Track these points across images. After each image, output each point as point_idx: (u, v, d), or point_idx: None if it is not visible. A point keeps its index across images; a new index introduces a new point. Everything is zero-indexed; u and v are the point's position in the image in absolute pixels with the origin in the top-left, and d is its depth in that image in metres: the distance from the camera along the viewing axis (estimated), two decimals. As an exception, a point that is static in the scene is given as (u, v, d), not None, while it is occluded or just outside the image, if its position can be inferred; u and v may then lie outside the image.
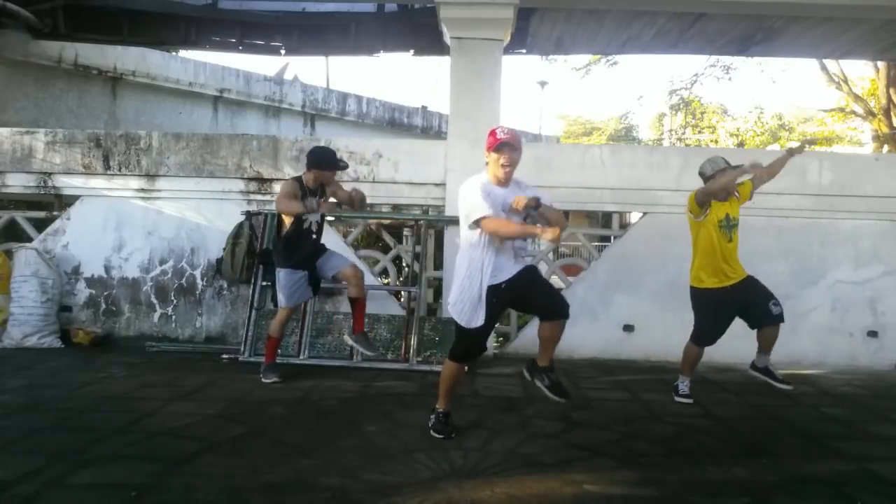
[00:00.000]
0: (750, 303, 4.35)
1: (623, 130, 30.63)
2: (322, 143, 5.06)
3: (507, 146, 3.40)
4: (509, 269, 3.44)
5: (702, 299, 4.45)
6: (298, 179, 4.78)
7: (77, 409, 3.96)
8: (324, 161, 4.74)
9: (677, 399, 4.54)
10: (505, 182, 3.49)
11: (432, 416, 3.66)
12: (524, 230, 3.35)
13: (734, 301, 4.35)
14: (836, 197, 6.25)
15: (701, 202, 4.36)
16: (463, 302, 3.44)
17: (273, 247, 5.01)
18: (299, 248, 4.76)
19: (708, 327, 4.45)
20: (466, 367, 3.76)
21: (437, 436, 3.55)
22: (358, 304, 4.84)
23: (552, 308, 3.50)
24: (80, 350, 5.92)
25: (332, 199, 4.85)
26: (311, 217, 4.73)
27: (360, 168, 6.30)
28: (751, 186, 4.56)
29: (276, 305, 5.10)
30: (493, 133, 3.45)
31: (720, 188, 4.32)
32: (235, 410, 4.01)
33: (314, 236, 4.82)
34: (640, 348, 6.13)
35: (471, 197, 3.36)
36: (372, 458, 3.20)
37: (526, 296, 3.52)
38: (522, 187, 3.55)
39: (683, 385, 4.59)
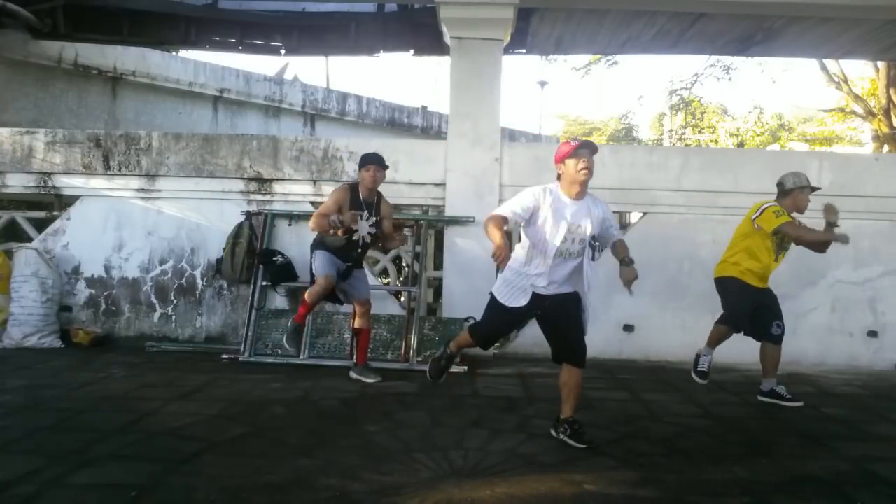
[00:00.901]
0: (764, 307, 4.48)
1: (623, 130, 30.60)
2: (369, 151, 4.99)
3: (585, 149, 3.30)
4: (558, 287, 3.41)
5: (738, 285, 4.49)
6: (354, 187, 4.74)
7: (77, 409, 3.95)
8: (365, 158, 4.73)
9: (694, 375, 4.64)
10: (580, 194, 3.36)
11: (443, 358, 3.88)
12: (501, 242, 3.10)
13: (757, 301, 4.48)
14: (836, 197, 6.21)
15: (782, 231, 4.33)
16: (510, 285, 3.44)
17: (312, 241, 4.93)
18: (333, 250, 4.71)
19: (737, 309, 4.51)
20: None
21: (430, 377, 3.91)
22: (362, 335, 4.92)
23: (565, 349, 3.49)
24: (80, 350, 5.92)
25: (374, 227, 4.76)
26: (358, 232, 4.65)
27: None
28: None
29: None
30: (565, 143, 3.38)
31: (812, 241, 4.43)
32: (235, 410, 4.01)
33: (359, 250, 4.79)
34: (640, 348, 6.13)
35: (521, 195, 3.35)
36: (372, 458, 3.20)
37: (552, 319, 3.49)
38: (596, 205, 3.42)
39: (704, 360, 4.63)
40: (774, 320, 4.45)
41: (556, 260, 3.35)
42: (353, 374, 4.92)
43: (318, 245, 4.76)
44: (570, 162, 3.30)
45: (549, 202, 3.33)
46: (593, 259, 3.38)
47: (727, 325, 4.57)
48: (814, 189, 4.53)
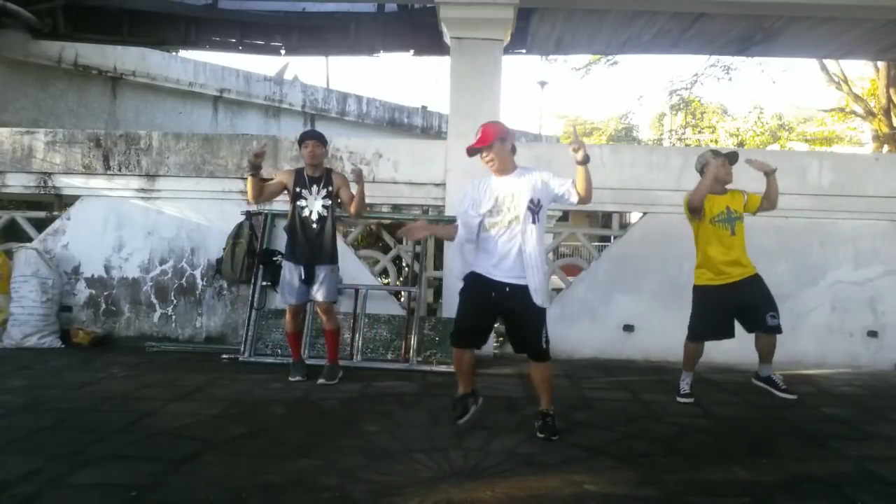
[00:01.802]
0: (749, 305, 4.35)
1: (623, 130, 30.64)
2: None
3: (475, 152, 3.52)
4: (506, 273, 3.48)
5: (696, 295, 4.50)
6: (300, 169, 4.83)
7: (77, 409, 3.95)
8: (302, 136, 4.80)
9: (679, 399, 4.54)
10: (502, 172, 3.54)
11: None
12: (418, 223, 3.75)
13: (729, 300, 4.35)
14: (836, 197, 6.25)
15: (694, 207, 4.34)
16: (464, 264, 3.62)
17: None
18: (294, 239, 4.79)
19: (695, 320, 4.49)
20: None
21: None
22: (328, 335, 4.93)
23: (523, 345, 3.62)
24: (80, 350, 5.92)
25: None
26: (306, 206, 4.72)
27: (361, 168, 6.29)
28: (758, 201, 4.52)
29: None
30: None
31: (707, 185, 4.32)
32: (235, 410, 4.01)
33: (314, 227, 4.75)
34: (640, 348, 6.13)
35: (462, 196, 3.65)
36: (372, 458, 3.20)
37: (508, 315, 3.60)
38: (526, 173, 3.56)
39: (684, 384, 4.59)
40: (767, 312, 4.30)
41: (490, 233, 3.49)
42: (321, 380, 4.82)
43: (285, 250, 4.88)
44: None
45: (483, 187, 3.56)
46: (534, 222, 3.44)
47: (688, 339, 4.56)
48: (726, 156, 4.45)
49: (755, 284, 4.38)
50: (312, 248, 4.75)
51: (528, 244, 3.45)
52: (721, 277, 4.36)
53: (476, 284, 3.55)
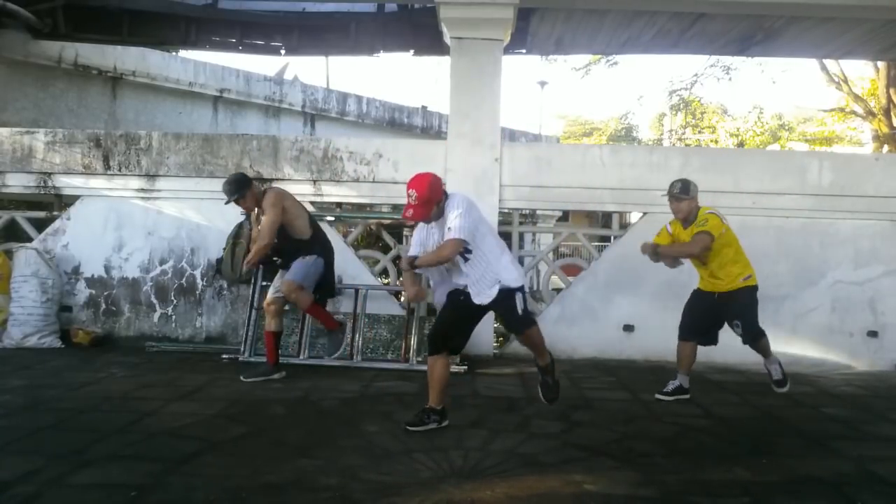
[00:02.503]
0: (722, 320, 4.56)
1: (623, 130, 30.65)
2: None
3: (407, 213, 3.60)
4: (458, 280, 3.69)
5: (691, 298, 4.72)
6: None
7: (77, 409, 3.95)
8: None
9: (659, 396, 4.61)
10: (427, 219, 3.64)
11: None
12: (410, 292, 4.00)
13: (715, 309, 4.55)
14: (836, 197, 6.24)
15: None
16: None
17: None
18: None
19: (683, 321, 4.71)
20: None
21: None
22: (309, 311, 5.02)
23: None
24: (80, 350, 5.92)
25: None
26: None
27: (360, 168, 6.30)
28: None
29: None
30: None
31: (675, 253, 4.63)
32: (235, 410, 4.01)
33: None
34: (640, 348, 6.13)
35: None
36: (372, 458, 3.20)
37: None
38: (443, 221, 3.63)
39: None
40: (733, 321, 4.50)
41: (443, 268, 3.70)
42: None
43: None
44: None
45: (423, 231, 3.73)
46: (466, 261, 3.58)
47: (679, 339, 4.68)
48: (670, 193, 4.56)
49: (734, 296, 4.48)
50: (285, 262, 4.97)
51: (472, 272, 3.60)
52: (707, 285, 4.61)
53: (452, 295, 3.74)
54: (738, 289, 4.45)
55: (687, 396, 4.57)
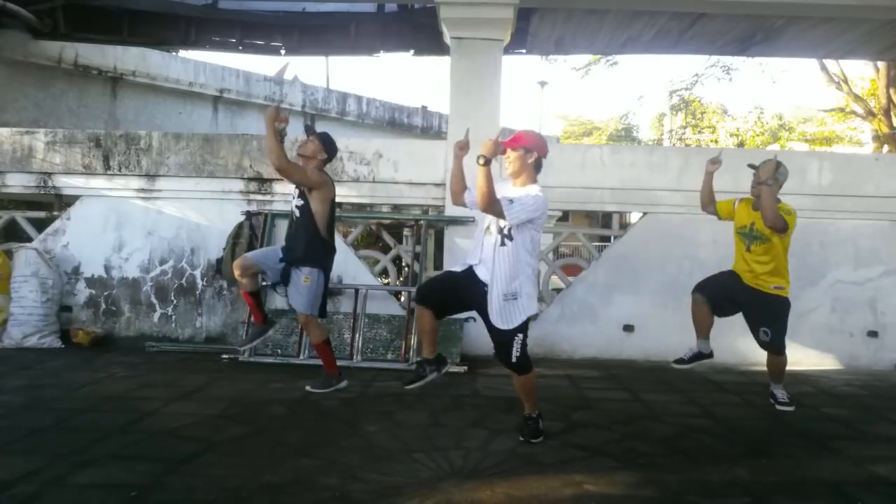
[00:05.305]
0: (748, 311, 4.26)
1: (623, 130, 30.61)
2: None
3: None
4: (483, 268, 3.42)
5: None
6: None
7: (77, 409, 3.96)
8: (309, 129, 4.57)
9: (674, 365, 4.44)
10: (515, 182, 3.51)
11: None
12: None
13: (741, 292, 4.24)
14: (836, 197, 6.25)
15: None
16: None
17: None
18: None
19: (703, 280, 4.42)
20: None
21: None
22: (317, 349, 4.42)
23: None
24: (80, 350, 5.92)
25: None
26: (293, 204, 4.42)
27: (360, 168, 6.30)
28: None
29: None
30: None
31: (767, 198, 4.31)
32: (235, 410, 4.01)
33: (292, 228, 4.37)
34: (640, 348, 6.13)
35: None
36: (372, 458, 3.20)
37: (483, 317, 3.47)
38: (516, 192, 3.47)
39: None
40: (761, 326, 4.18)
41: (483, 236, 3.45)
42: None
43: None
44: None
45: (503, 186, 3.50)
46: (502, 244, 3.34)
47: (693, 292, 4.39)
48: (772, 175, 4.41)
49: (764, 299, 4.20)
50: (289, 247, 4.33)
51: (498, 263, 3.34)
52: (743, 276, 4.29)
53: (465, 268, 3.49)
54: (772, 294, 4.18)
55: (711, 358, 4.36)
